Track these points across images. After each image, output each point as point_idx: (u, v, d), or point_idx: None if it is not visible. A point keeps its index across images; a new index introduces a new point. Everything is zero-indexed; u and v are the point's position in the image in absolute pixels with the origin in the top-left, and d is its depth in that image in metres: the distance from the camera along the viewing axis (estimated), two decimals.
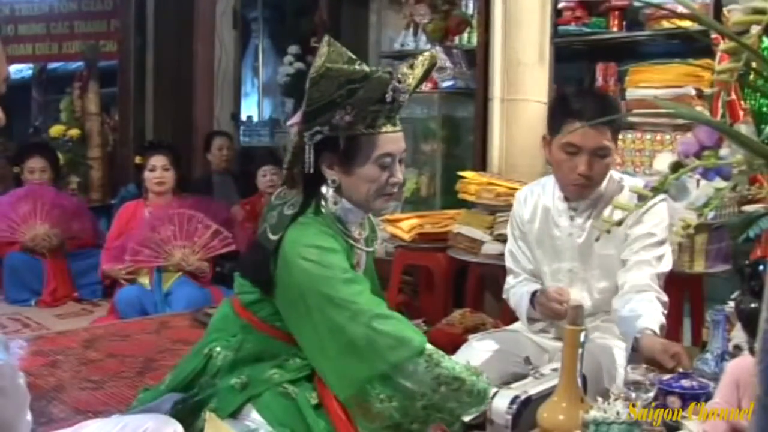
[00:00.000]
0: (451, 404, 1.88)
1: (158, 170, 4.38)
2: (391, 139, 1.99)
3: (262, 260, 1.99)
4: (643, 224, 2.35)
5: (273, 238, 1.97)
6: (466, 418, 1.91)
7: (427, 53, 2.16)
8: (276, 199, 2.07)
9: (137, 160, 4.54)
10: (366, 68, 1.90)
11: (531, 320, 2.47)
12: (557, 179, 2.43)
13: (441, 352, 1.91)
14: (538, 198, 2.51)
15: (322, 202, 2.03)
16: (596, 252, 2.39)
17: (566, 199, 2.43)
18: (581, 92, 2.37)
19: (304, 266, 1.92)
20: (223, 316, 2.16)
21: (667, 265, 2.37)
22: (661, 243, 2.36)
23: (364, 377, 1.88)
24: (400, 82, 1.97)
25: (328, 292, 1.91)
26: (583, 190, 2.36)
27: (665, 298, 2.32)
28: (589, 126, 2.20)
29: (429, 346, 1.90)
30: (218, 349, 2.06)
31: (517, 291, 2.52)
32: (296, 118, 1.94)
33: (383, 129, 1.98)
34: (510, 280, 2.59)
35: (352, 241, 2.06)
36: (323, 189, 2.03)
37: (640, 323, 2.14)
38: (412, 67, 2.07)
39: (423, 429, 1.91)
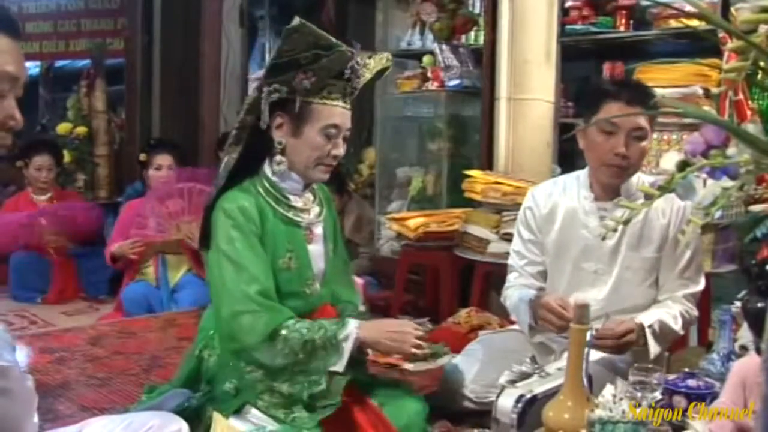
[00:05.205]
0: (314, 364, 1.98)
1: (164, 169, 4.31)
2: (340, 113, 2.10)
3: (206, 213, 2.10)
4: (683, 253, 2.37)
5: (214, 191, 2.09)
6: (335, 368, 1.98)
7: (385, 55, 2.28)
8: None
9: (141, 157, 4.48)
10: (335, 40, 2.02)
11: (531, 329, 2.41)
12: (591, 164, 2.39)
13: (294, 325, 1.98)
14: (558, 198, 2.48)
15: (265, 169, 2.12)
16: (633, 254, 2.37)
17: (595, 199, 2.40)
18: (613, 77, 2.40)
19: (220, 220, 2.04)
20: (207, 313, 2.23)
21: (701, 284, 2.42)
22: (698, 270, 2.41)
23: (230, 348, 2.03)
24: (358, 65, 2.10)
25: (218, 259, 2.02)
26: (619, 172, 2.32)
27: (694, 313, 2.37)
28: (627, 106, 2.23)
29: (283, 329, 1.97)
30: (207, 351, 2.12)
31: (513, 295, 2.47)
32: (262, 72, 2.02)
33: (335, 102, 2.09)
34: (511, 278, 2.56)
35: (292, 214, 2.11)
36: (266, 164, 2.13)
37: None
38: (370, 57, 2.20)
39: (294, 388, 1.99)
